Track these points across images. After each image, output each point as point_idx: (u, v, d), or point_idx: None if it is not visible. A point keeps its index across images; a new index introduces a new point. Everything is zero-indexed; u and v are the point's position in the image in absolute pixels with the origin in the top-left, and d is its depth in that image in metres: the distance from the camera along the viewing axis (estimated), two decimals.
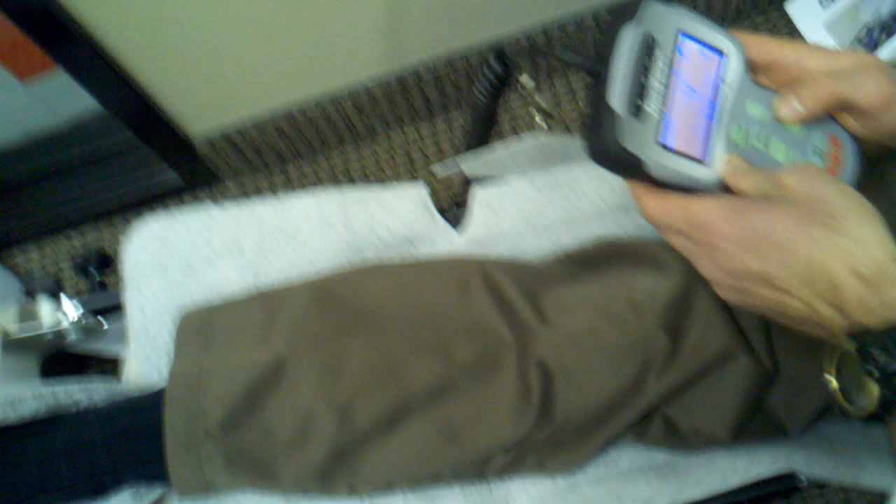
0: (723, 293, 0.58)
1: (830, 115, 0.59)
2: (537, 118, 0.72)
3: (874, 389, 0.47)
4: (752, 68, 0.60)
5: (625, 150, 0.53)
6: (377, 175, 1.44)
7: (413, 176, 1.40)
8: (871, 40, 1.29)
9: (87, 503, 0.78)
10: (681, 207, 0.55)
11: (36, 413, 0.77)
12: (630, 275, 0.83)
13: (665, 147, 0.55)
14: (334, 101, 1.28)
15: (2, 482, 0.75)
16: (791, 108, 0.57)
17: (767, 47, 0.59)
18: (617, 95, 0.54)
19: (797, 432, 0.80)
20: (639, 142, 0.54)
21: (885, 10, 1.28)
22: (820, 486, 0.75)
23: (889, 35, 1.27)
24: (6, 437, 0.76)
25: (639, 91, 0.54)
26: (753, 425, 0.79)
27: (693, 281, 0.77)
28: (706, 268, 0.57)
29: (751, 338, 0.77)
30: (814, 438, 0.84)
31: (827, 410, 0.79)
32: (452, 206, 0.96)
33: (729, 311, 0.77)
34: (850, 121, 0.59)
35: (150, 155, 1.37)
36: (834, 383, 0.51)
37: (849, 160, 0.60)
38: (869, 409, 0.48)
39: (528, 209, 0.92)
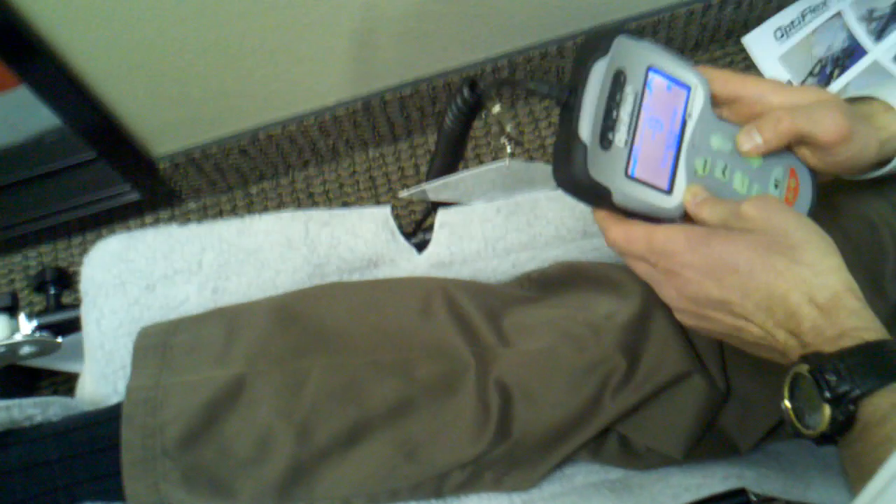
0: (683, 319, 0.59)
1: (789, 148, 0.62)
2: (507, 147, 0.74)
3: (826, 411, 0.49)
4: (716, 102, 0.62)
5: (593, 180, 0.55)
6: (340, 196, 1.45)
7: (376, 197, 1.41)
8: (823, 75, 1.34)
9: None
10: (644, 235, 0.57)
11: None
12: (589, 297, 0.85)
13: (631, 178, 0.57)
14: (299, 123, 1.29)
15: None
16: (753, 141, 0.60)
17: (731, 83, 0.61)
18: (586, 127, 0.55)
19: (748, 450, 0.82)
20: (606, 172, 0.56)
21: (836, 45, 1.33)
22: (769, 501, 0.77)
23: (841, 70, 1.32)
24: None
25: (608, 124, 0.56)
26: (706, 443, 0.80)
27: (651, 304, 0.79)
28: (668, 294, 0.58)
29: (705, 359, 0.79)
30: (763, 456, 0.86)
31: (776, 430, 0.81)
32: (418, 232, 0.97)
33: (685, 334, 0.78)
34: (807, 154, 0.62)
35: (112, 173, 1.36)
36: (788, 404, 0.52)
37: (805, 191, 0.63)
38: (820, 429, 0.49)
39: (489, 233, 0.93)
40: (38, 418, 0.80)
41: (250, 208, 1.48)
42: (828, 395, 0.48)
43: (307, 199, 1.45)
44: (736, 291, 0.53)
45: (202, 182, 1.42)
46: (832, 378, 0.48)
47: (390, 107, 1.30)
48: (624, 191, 0.56)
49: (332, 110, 1.28)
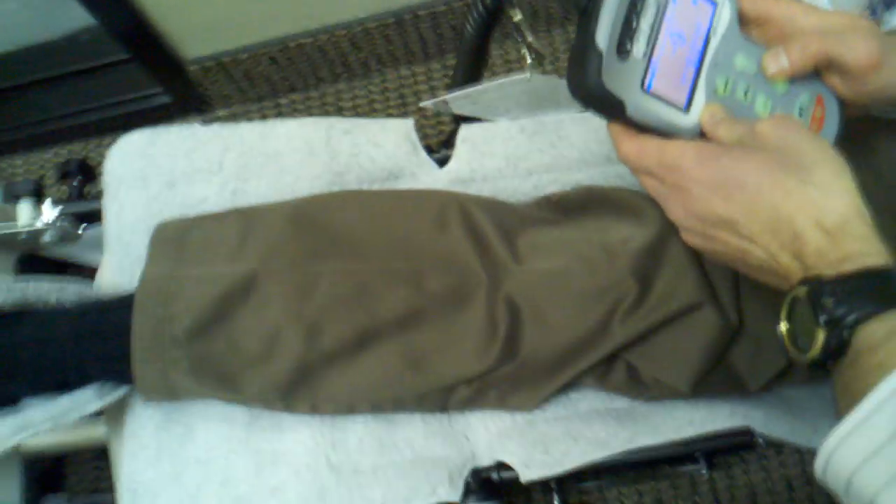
0: (688, 238, 0.59)
1: (818, 75, 0.60)
2: (527, 57, 0.72)
3: (820, 335, 0.48)
4: (744, 22, 0.60)
5: (606, 90, 0.54)
6: (369, 113, 1.44)
7: (405, 116, 1.40)
8: (873, 15, 1.29)
9: (52, 395, 0.79)
10: (656, 149, 0.56)
11: (2, 305, 0.77)
12: (607, 221, 0.84)
13: (647, 91, 0.55)
14: (329, 34, 1.27)
15: None
16: (779, 63, 0.58)
17: (761, 2, 0.59)
18: (604, 35, 0.54)
19: (757, 390, 0.81)
20: (622, 83, 0.54)
21: None
22: (777, 447, 0.76)
23: (888, 8, 1.27)
24: None
25: (627, 32, 0.54)
26: (714, 379, 0.80)
27: (668, 232, 0.78)
28: (675, 211, 0.57)
29: (720, 292, 0.78)
30: (773, 399, 0.85)
31: (788, 372, 0.81)
32: (440, 147, 0.96)
33: (700, 265, 0.77)
34: (836, 81, 0.60)
35: (144, 75, 1.36)
36: (784, 326, 0.52)
37: (831, 121, 0.61)
38: (813, 353, 0.49)
39: (512, 151, 0.92)
40: (53, 300, 0.81)
41: (278, 117, 1.47)
42: (823, 318, 0.48)
43: (336, 113, 1.44)
44: (742, 210, 0.52)
45: (232, 89, 1.41)
46: (829, 301, 0.48)
47: (422, 23, 1.28)
48: (638, 104, 0.55)
49: (363, 22, 1.26)
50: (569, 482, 1.01)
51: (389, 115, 1.42)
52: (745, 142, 0.54)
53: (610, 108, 0.55)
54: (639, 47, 0.55)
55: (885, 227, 0.51)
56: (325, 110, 1.45)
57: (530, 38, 0.70)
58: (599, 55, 0.53)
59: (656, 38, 0.56)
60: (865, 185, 0.71)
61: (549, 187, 0.93)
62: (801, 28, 0.58)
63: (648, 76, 0.55)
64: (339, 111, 1.45)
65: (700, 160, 0.54)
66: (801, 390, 0.88)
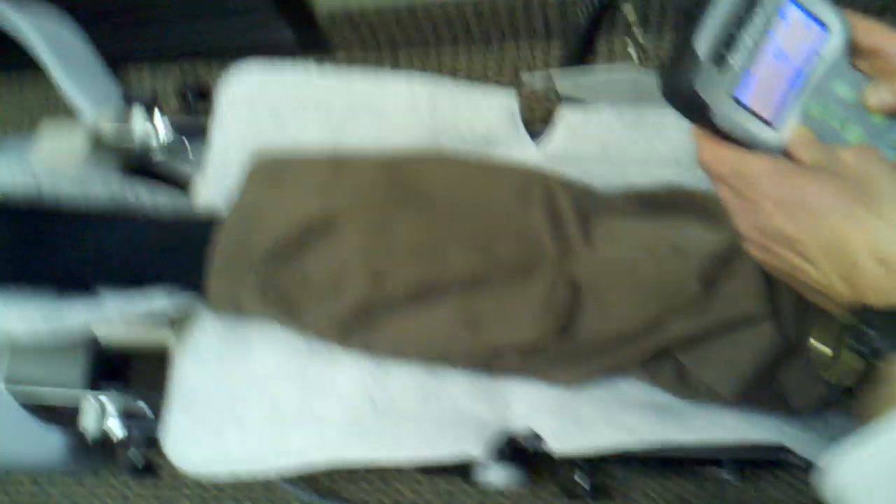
0: (749, 248, 0.59)
1: None
2: (632, 52, 0.72)
3: (859, 365, 0.48)
4: (854, 51, 0.59)
5: (695, 94, 0.54)
6: (481, 79, 1.45)
7: (517, 86, 1.40)
8: None
9: (127, 291, 0.84)
10: (734, 158, 0.56)
11: (98, 197, 0.82)
12: (686, 222, 0.84)
13: (738, 101, 0.55)
14: (458, 6, 1.29)
15: (62, 256, 0.82)
16: (879, 96, 0.57)
17: (875, 33, 0.58)
18: (704, 40, 0.54)
19: (801, 411, 0.81)
20: (712, 90, 0.55)
21: None
22: (810, 470, 0.75)
23: None
24: (71, 215, 0.82)
25: (727, 42, 0.54)
26: (760, 392, 0.80)
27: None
28: (741, 222, 0.58)
29: (783, 310, 0.77)
30: (815, 421, 0.84)
31: (837, 402, 0.80)
32: (539, 124, 0.97)
33: (767, 280, 0.77)
34: None
35: (274, 13, 1.41)
36: (828, 350, 0.52)
37: None
38: (849, 383, 0.50)
39: (608, 140, 0.92)
40: (147, 204, 0.86)
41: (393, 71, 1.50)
42: (863, 349, 0.48)
43: (450, 74, 1.46)
44: (806, 231, 0.52)
45: (354, 38, 1.45)
46: (873, 334, 0.48)
47: (549, 7, 1.28)
48: (726, 112, 0.55)
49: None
50: (597, 464, 1.01)
51: (499, 86, 1.43)
52: (824, 166, 0.54)
53: (697, 111, 0.55)
54: (737, 58, 0.55)
55: None
56: (439, 70, 1.47)
57: (640, 38, 0.70)
58: (695, 59, 0.54)
59: (757, 52, 0.55)
60: None
61: (638, 179, 0.93)
62: None
63: (742, 88, 0.55)
64: (454, 72, 1.47)
65: (775, 176, 0.54)
66: (845, 418, 0.86)
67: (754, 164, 0.55)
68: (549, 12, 1.32)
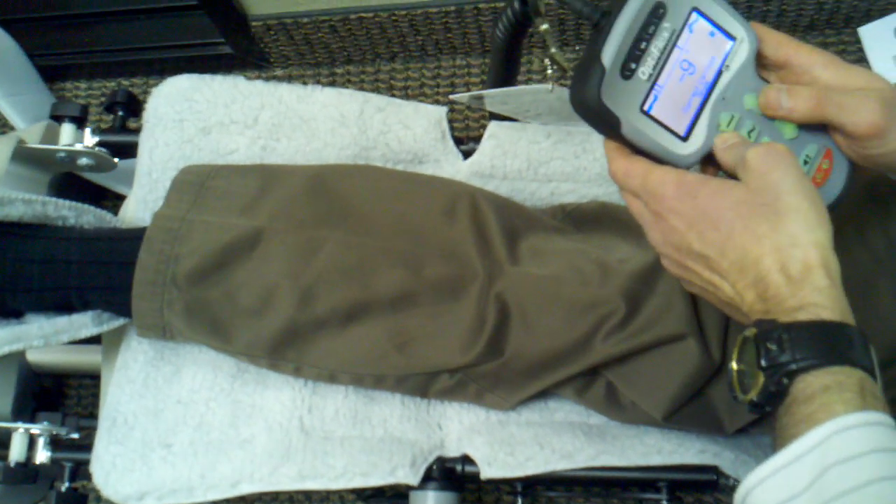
0: (666, 265, 0.59)
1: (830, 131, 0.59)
2: (549, 70, 0.73)
3: (760, 378, 0.48)
4: (763, 63, 0.60)
5: (603, 106, 0.54)
6: (418, 96, 1.45)
7: (452, 104, 1.41)
8: None
9: (52, 314, 0.82)
10: (642, 172, 0.57)
11: (21, 217, 0.80)
12: (612, 240, 0.85)
13: (646, 113, 0.56)
14: (391, 13, 1.29)
15: None
16: (777, 100, 0.57)
17: (783, 47, 0.58)
18: (610, 52, 0.54)
19: (732, 431, 0.82)
20: (621, 102, 0.55)
21: None
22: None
23: None
24: None
25: (634, 54, 0.55)
26: (691, 412, 0.80)
27: None
28: (654, 237, 0.58)
29: (707, 328, 0.78)
30: (747, 442, 0.85)
31: (765, 418, 0.81)
32: (468, 140, 0.98)
33: (691, 298, 0.78)
34: (840, 140, 0.59)
35: (209, 24, 1.39)
36: (734, 366, 0.52)
37: (837, 178, 0.60)
38: (751, 395, 0.49)
39: (535, 155, 0.93)
40: (71, 221, 0.84)
41: (333, 86, 1.49)
42: (763, 363, 0.48)
43: (387, 91, 1.46)
44: (714, 247, 0.53)
45: (291, 51, 1.44)
46: (773, 347, 0.48)
47: (483, 16, 1.29)
48: (635, 124, 0.55)
49: (425, 7, 1.27)
50: (537, 489, 1.01)
51: (437, 101, 1.43)
52: (737, 168, 0.55)
53: (605, 124, 0.56)
54: (644, 69, 0.55)
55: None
56: (377, 86, 1.47)
57: (553, 50, 0.70)
58: (602, 71, 0.54)
59: (664, 64, 0.56)
60: (875, 250, 0.71)
61: (565, 196, 0.94)
62: (818, 80, 0.57)
63: (650, 99, 0.56)
64: (391, 89, 1.47)
65: (679, 192, 0.54)
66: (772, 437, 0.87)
67: (659, 179, 0.55)
68: (483, 25, 1.33)
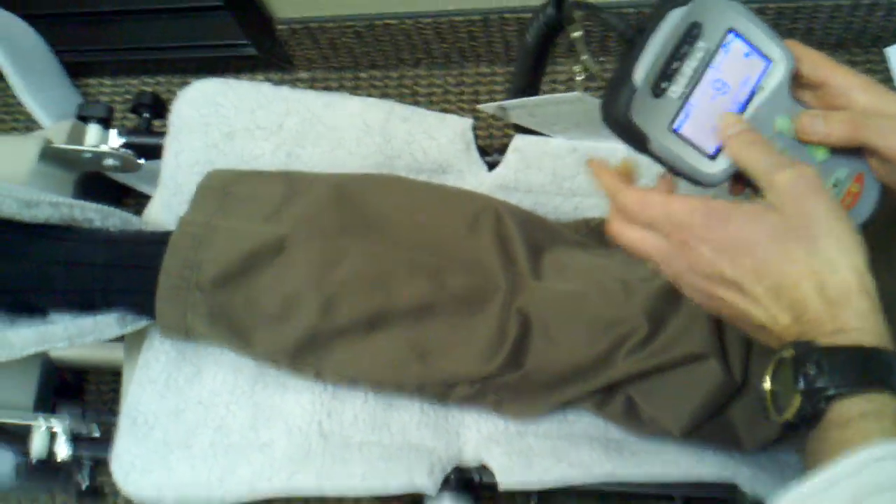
0: (690, 293, 0.58)
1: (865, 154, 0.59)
2: (578, 77, 0.73)
3: (797, 401, 0.48)
4: (799, 84, 0.59)
5: (632, 124, 0.54)
6: (441, 102, 1.45)
7: (475, 112, 1.41)
8: None
9: (76, 314, 0.83)
10: (662, 203, 0.55)
11: (48, 219, 0.81)
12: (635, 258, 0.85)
13: (676, 132, 0.56)
14: (416, 20, 1.29)
15: (4, 272, 0.80)
16: (813, 126, 0.57)
17: (821, 67, 0.58)
18: (642, 70, 0.54)
19: (751, 449, 0.82)
20: (651, 120, 0.55)
21: None
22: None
23: None
24: (16, 233, 0.81)
25: (666, 73, 0.55)
26: (711, 430, 0.80)
27: None
28: (678, 268, 0.56)
29: (729, 348, 0.78)
30: (766, 460, 0.85)
31: (785, 437, 0.81)
32: (493, 152, 0.98)
33: (715, 318, 0.78)
34: (875, 165, 0.58)
35: (234, 25, 1.40)
36: (767, 386, 0.52)
37: (866, 202, 0.60)
38: (786, 416, 0.49)
39: (560, 169, 0.93)
40: (97, 223, 0.85)
41: (355, 92, 1.50)
42: (802, 385, 0.48)
43: (410, 97, 1.46)
44: (748, 273, 0.52)
45: (316, 54, 1.44)
46: (812, 370, 0.47)
47: (508, 25, 1.29)
48: (664, 142, 0.56)
49: (450, 16, 1.27)
50: (552, 498, 1.02)
51: (461, 109, 1.44)
52: (761, 183, 0.54)
53: (634, 140, 0.56)
54: (676, 88, 0.55)
55: None
56: (400, 92, 1.47)
57: (584, 56, 0.70)
58: (632, 89, 0.54)
59: (697, 83, 0.56)
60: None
61: (589, 211, 0.94)
62: (855, 103, 0.57)
63: (680, 118, 0.56)
64: (415, 95, 1.47)
65: (710, 220, 0.53)
66: (796, 456, 0.87)
67: (685, 207, 0.54)
68: (508, 34, 1.33)
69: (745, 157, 0.55)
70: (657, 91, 0.55)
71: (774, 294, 0.52)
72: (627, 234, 0.58)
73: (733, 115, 0.57)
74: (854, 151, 0.58)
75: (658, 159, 0.57)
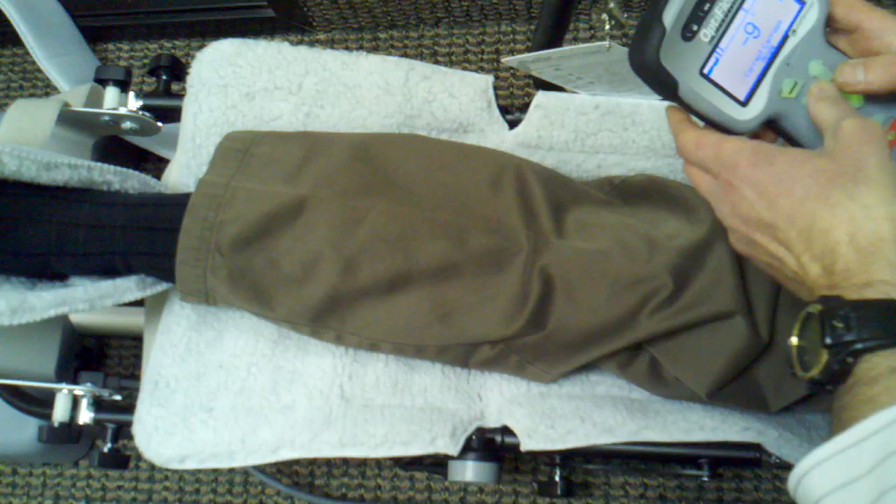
0: (733, 241, 0.58)
1: None
2: (606, 25, 0.71)
3: (823, 356, 0.47)
4: (833, 27, 0.58)
5: (661, 68, 0.53)
6: (461, 62, 1.44)
7: (496, 72, 1.39)
8: None
9: (98, 278, 0.83)
10: (715, 142, 0.55)
11: (67, 182, 0.81)
12: (660, 214, 0.83)
13: (706, 76, 0.55)
14: None
15: (24, 235, 0.80)
16: (855, 76, 0.55)
17: (856, 9, 0.56)
18: (671, 13, 0.53)
19: (776, 409, 0.80)
20: (680, 64, 0.54)
21: None
22: (789, 469, 0.75)
23: None
24: (36, 195, 0.81)
25: (697, 15, 0.53)
26: (736, 390, 0.79)
27: (715, 235, 0.77)
28: (723, 210, 0.57)
29: (756, 305, 0.77)
30: (792, 420, 0.84)
31: (811, 397, 0.79)
32: (514, 109, 0.96)
33: (740, 275, 0.76)
34: None
35: None
36: (794, 341, 0.51)
37: None
38: (813, 373, 0.48)
39: (583, 126, 0.91)
40: (116, 186, 0.85)
41: (375, 52, 1.48)
42: (829, 340, 0.47)
43: (430, 57, 1.44)
44: (783, 215, 0.51)
45: (334, 15, 1.43)
46: (839, 325, 0.46)
47: None
48: (693, 87, 0.54)
49: None
50: (575, 460, 1.01)
51: (482, 68, 1.42)
52: (826, 128, 0.53)
53: (663, 85, 0.55)
54: (707, 31, 0.54)
55: None
56: (420, 52, 1.46)
57: (612, 5, 0.68)
58: (662, 31, 0.53)
59: (728, 26, 0.54)
60: None
61: (613, 169, 0.92)
62: (889, 46, 0.55)
63: (710, 62, 0.55)
64: (434, 55, 1.45)
65: (755, 160, 0.53)
66: (823, 417, 0.86)
67: (734, 147, 0.54)
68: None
69: (816, 108, 0.55)
70: (687, 34, 0.53)
71: (806, 238, 0.51)
72: (689, 171, 0.59)
73: (825, 83, 0.56)
74: (891, 97, 0.56)
75: (687, 106, 0.55)
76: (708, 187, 0.57)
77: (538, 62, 0.84)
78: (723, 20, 0.54)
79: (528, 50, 0.84)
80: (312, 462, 1.37)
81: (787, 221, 0.51)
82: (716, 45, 0.55)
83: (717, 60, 0.55)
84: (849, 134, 0.51)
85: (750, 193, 0.53)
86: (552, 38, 0.80)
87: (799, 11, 0.56)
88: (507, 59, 0.87)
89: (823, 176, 0.50)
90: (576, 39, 1.40)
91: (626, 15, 0.71)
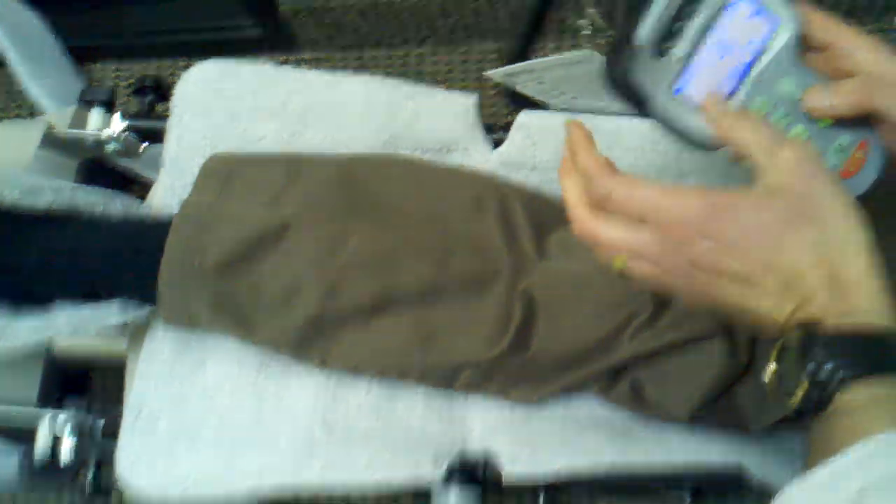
0: (681, 289, 0.55)
1: (871, 119, 0.57)
2: (584, 30, 0.71)
3: (804, 385, 0.47)
4: (808, 47, 0.58)
5: (632, 84, 0.54)
6: (446, 81, 1.44)
7: (481, 90, 1.39)
8: None
9: (79, 303, 0.82)
10: (657, 195, 0.52)
11: (50, 206, 0.80)
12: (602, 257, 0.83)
13: (677, 93, 0.55)
14: None
15: (6, 260, 0.80)
16: (822, 102, 0.55)
17: (831, 28, 0.56)
18: (645, 28, 0.53)
19: (758, 432, 0.80)
20: (652, 80, 0.54)
21: None
22: (770, 492, 0.75)
23: None
24: (17, 221, 0.80)
25: (670, 31, 0.54)
26: (715, 412, 0.79)
27: None
28: (670, 264, 0.53)
29: (735, 329, 0.76)
30: (773, 443, 0.84)
31: (793, 420, 0.79)
32: (499, 129, 0.96)
33: None
34: (885, 131, 0.57)
35: (238, 7, 1.39)
36: (773, 367, 0.50)
37: (869, 171, 0.58)
38: (794, 402, 0.48)
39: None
40: (99, 209, 0.84)
41: (360, 71, 1.48)
42: (810, 368, 0.46)
43: (415, 76, 1.45)
44: (759, 265, 0.50)
45: (320, 35, 1.44)
46: (819, 354, 0.46)
47: (514, 0, 1.28)
48: (665, 104, 0.55)
49: None
50: (559, 486, 1.01)
51: (466, 87, 1.43)
52: (761, 163, 0.52)
53: (636, 101, 0.55)
54: (680, 48, 0.54)
55: None
56: (405, 70, 1.46)
57: (591, 9, 0.69)
58: (634, 48, 0.53)
59: (701, 44, 0.55)
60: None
61: None
62: (860, 67, 0.55)
63: (682, 78, 0.55)
64: (419, 74, 1.46)
65: (714, 214, 0.51)
66: (800, 439, 0.86)
67: (681, 202, 0.51)
68: (515, 9, 1.32)
69: (738, 136, 0.53)
70: (658, 51, 0.54)
71: (784, 285, 0.50)
72: (605, 228, 0.55)
73: (716, 94, 0.55)
74: (858, 119, 0.56)
75: (660, 121, 0.56)
76: (645, 243, 0.53)
77: (521, 74, 0.85)
78: (696, 37, 0.54)
79: (502, 60, 0.84)
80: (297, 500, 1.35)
81: (764, 270, 0.50)
82: (688, 62, 0.55)
83: (689, 77, 0.55)
84: (792, 169, 0.50)
85: (715, 249, 0.51)
86: (524, 46, 0.80)
87: (772, 29, 0.56)
88: (489, 72, 0.87)
89: (789, 220, 0.50)
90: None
91: (603, 20, 0.71)
